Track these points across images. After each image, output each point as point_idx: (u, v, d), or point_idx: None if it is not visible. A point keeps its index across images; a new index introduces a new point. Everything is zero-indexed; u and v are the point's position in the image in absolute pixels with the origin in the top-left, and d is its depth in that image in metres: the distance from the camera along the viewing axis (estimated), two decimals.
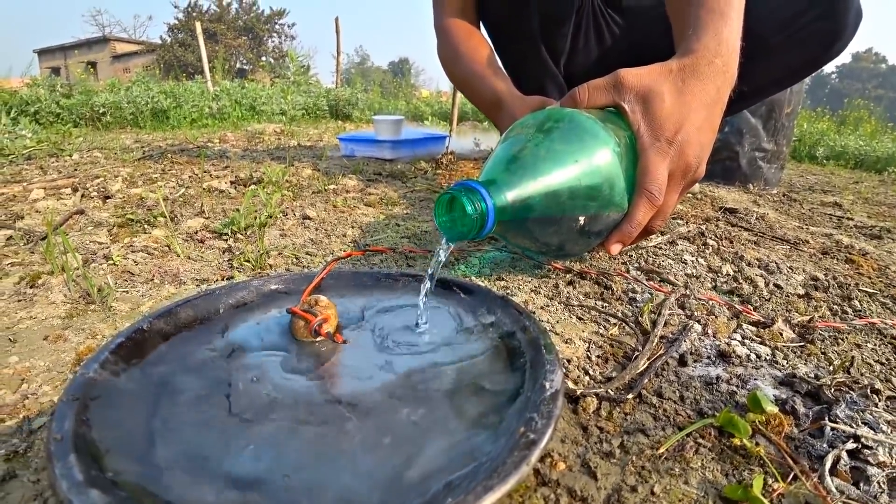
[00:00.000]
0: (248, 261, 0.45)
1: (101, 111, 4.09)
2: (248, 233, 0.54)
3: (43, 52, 22.83)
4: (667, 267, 0.50)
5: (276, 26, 20.15)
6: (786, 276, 0.53)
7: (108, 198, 0.80)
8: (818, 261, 0.66)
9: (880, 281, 0.61)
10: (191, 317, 0.28)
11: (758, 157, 1.51)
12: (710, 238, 0.64)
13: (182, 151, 1.66)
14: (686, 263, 0.52)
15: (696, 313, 0.38)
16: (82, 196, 0.82)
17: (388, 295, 0.34)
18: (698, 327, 0.35)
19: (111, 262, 0.45)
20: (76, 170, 1.28)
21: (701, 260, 0.54)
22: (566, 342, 0.32)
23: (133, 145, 2.22)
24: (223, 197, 0.76)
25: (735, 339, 0.34)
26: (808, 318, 0.40)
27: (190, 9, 18.92)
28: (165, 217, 0.59)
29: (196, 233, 0.55)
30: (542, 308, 0.36)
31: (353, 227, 0.56)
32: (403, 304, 0.33)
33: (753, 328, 0.37)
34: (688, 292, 0.41)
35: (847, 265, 0.67)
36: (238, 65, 17.57)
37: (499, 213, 0.30)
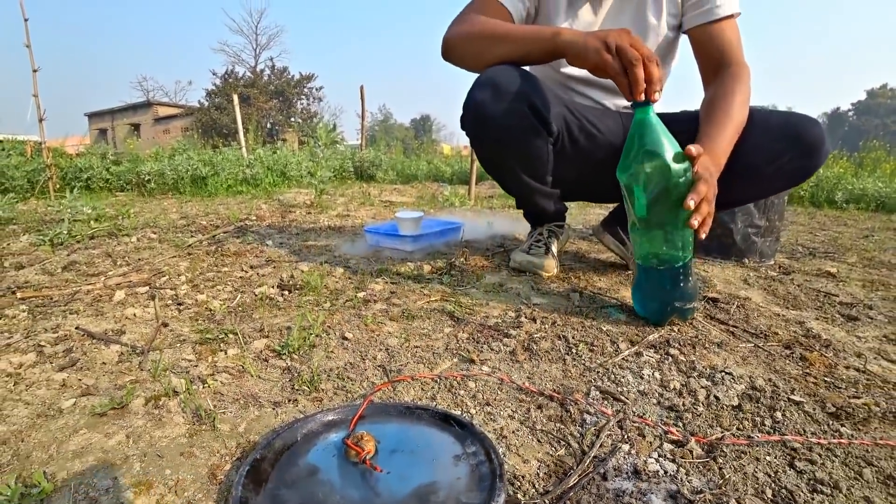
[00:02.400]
0: (304, 384, 0.64)
1: (146, 178, 4.50)
2: (300, 352, 0.73)
3: (93, 115, 25.34)
4: (624, 383, 0.66)
5: (305, 90, 21.93)
6: (727, 386, 0.68)
7: (180, 304, 1.01)
8: (773, 360, 0.80)
9: (824, 381, 0.75)
10: (282, 445, 0.46)
11: (751, 233, 1.65)
12: (674, 346, 0.80)
13: (225, 234, 1.89)
14: (642, 378, 0.68)
15: (628, 434, 0.54)
16: (159, 300, 1.03)
17: (408, 423, 0.52)
18: (626, 447, 0.51)
19: (205, 384, 0.64)
20: (140, 259, 1.51)
21: (657, 374, 0.70)
22: (525, 462, 0.48)
23: (179, 221, 2.49)
24: (274, 307, 0.96)
25: (652, 458, 0.50)
26: (720, 436, 0.55)
27: (227, 75, 20.79)
28: (236, 335, 0.79)
29: (261, 352, 0.74)
30: (513, 432, 0.53)
31: (381, 350, 0.74)
32: (418, 432, 0.50)
33: (671, 446, 0.52)
34: (623, 416, 0.57)
35: (800, 364, 0.81)
36: (269, 125, 18.98)
37: None
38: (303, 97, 22.13)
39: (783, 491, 0.48)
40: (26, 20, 4.24)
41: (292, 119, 20.48)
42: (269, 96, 20.59)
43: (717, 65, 1.03)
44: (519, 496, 0.43)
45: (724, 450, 0.53)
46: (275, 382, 0.65)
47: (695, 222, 0.75)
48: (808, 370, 0.78)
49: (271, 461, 0.44)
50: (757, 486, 0.48)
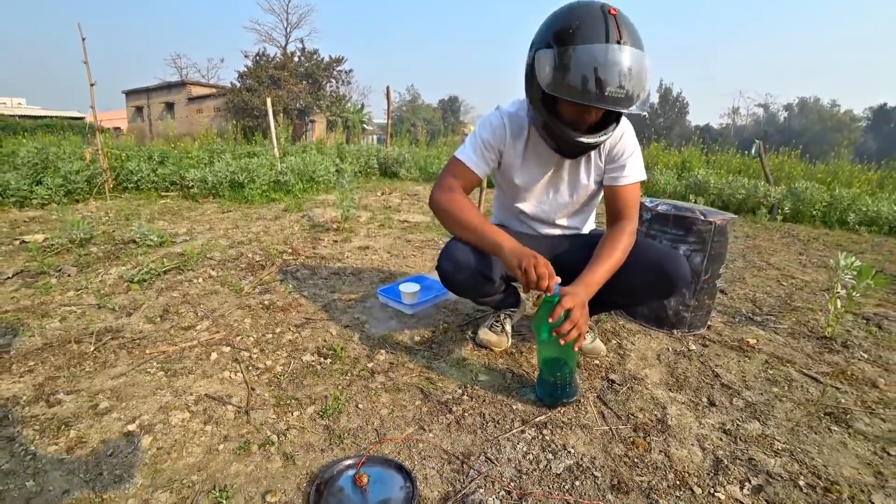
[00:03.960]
0: (336, 438, 1.30)
1: (189, 184, 5.25)
2: (333, 416, 1.40)
3: (130, 93, 26.96)
4: (503, 451, 1.30)
5: (334, 72, 22.86)
6: (561, 460, 1.30)
7: (257, 368, 1.69)
8: (611, 442, 1.39)
9: (632, 462, 1.30)
10: (328, 476, 1.13)
11: (682, 310, 2.21)
12: (550, 426, 1.42)
13: (270, 277, 2.57)
14: (515, 450, 1.32)
15: (486, 484, 1.18)
16: (241, 363, 1.72)
17: (383, 468, 1.18)
18: (481, 491, 1.16)
19: (286, 436, 1.32)
20: (213, 310, 2.19)
21: (525, 447, 1.33)
22: (431, 492, 1.13)
23: (229, 250, 3.17)
24: (315, 375, 1.63)
25: (490, 499, 1.14)
26: (532, 491, 1.19)
27: (258, 57, 21.75)
28: (297, 400, 1.47)
29: (312, 415, 1.41)
30: (431, 477, 1.18)
31: (377, 418, 1.40)
32: (387, 473, 1.16)
33: (504, 493, 1.16)
34: (489, 473, 1.22)
35: (628, 447, 1.39)
36: (298, 106, 19.96)
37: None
38: (332, 79, 23.16)
39: None
40: (84, 39, 4.99)
41: (321, 101, 21.53)
42: (298, 78, 21.56)
43: (615, 215, 1.62)
44: None
45: (529, 500, 1.16)
46: (321, 436, 1.32)
47: (561, 342, 1.30)
48: (628, 452, 1.34)
49: (324, 484, 1.10)
50: None
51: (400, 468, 1.18)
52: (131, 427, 1.34)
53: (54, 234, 3.40)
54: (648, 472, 1.27)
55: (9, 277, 2.56)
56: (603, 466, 1.29)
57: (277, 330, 1.98)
